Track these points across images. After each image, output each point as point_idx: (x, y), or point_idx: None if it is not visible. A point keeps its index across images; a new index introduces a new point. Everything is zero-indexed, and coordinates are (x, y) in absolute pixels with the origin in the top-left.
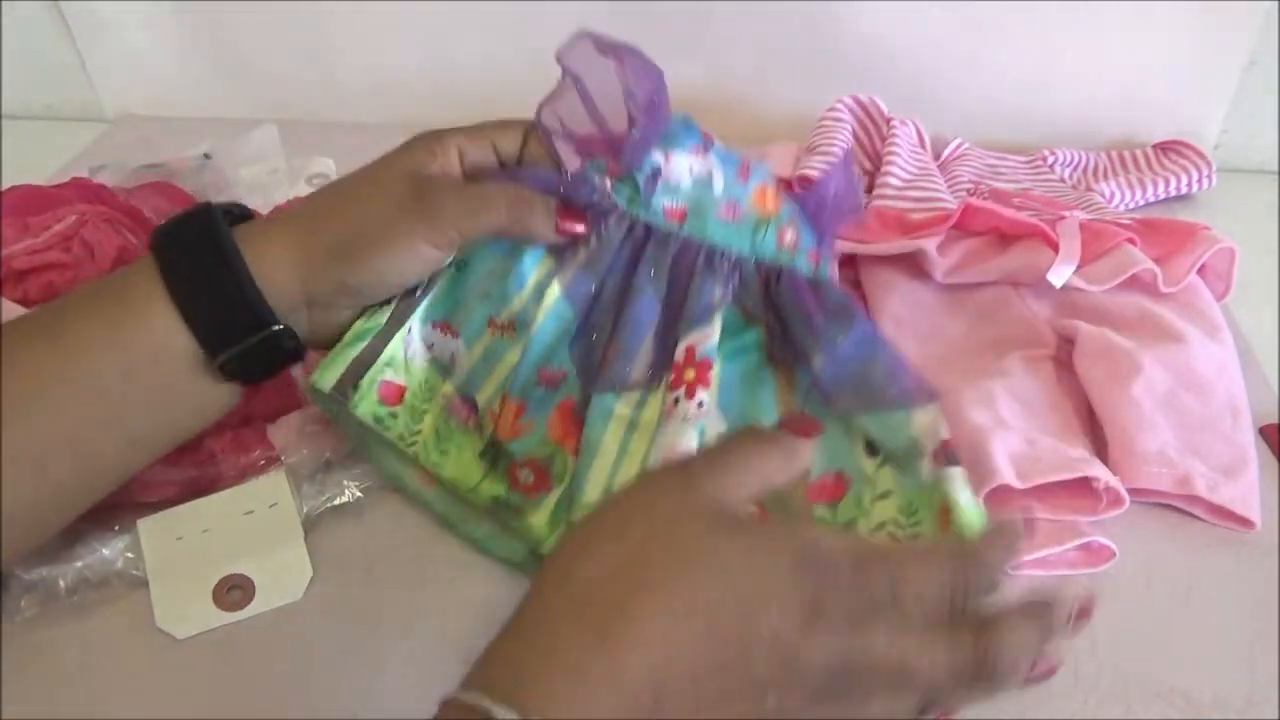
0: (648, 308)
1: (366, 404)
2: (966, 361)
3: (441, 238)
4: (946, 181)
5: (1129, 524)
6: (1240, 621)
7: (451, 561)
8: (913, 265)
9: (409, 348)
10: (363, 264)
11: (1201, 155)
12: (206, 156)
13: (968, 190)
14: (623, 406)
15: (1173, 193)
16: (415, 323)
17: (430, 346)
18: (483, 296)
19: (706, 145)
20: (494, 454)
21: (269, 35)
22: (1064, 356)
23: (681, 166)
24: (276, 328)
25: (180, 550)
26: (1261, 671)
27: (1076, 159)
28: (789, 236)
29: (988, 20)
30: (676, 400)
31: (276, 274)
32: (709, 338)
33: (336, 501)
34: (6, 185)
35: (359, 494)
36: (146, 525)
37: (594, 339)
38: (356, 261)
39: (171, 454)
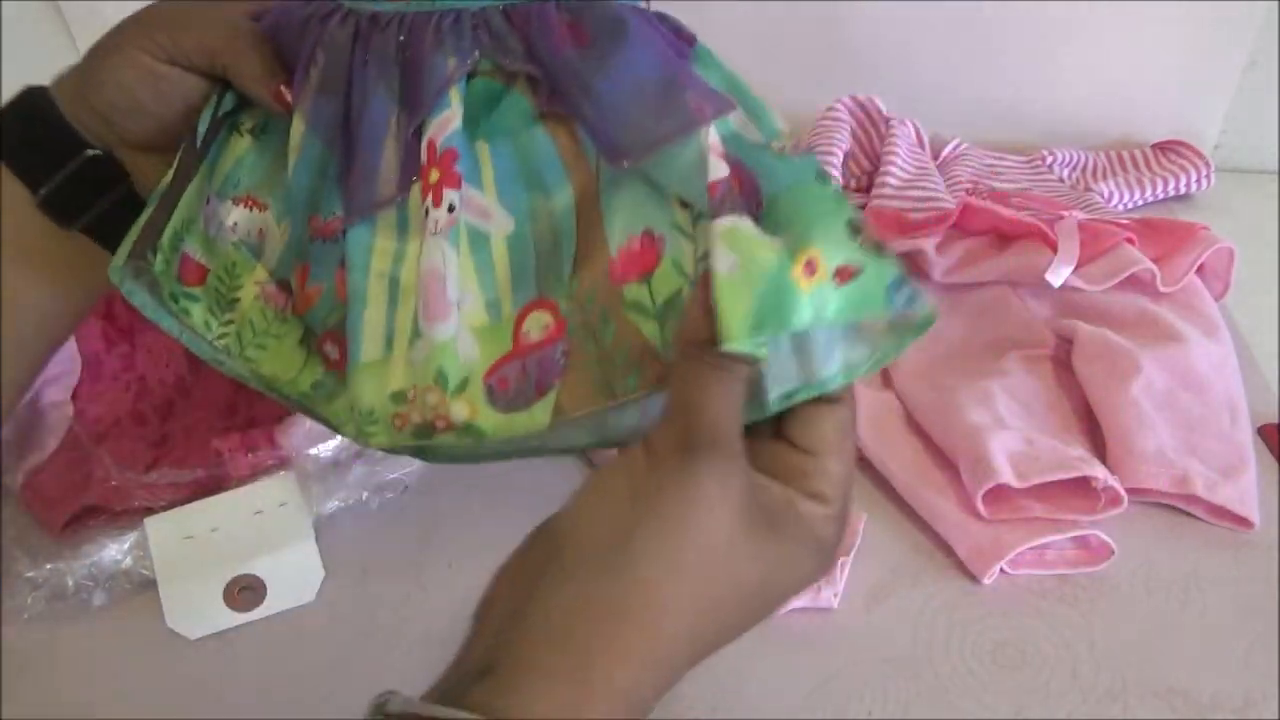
0: (379, 108)
1: (167, 276)
2: (965, 361)
3: (150, 43)
4: (945, 181)
5: (1127, 523)
6: (1238, 621)
7: (454, 561)
8: (911, 265)
9: (210, 224)
10: (91, 72)
11: (1200, 155)
12: None
13: (966, 190)
14: (383, 238)
15: (1171, 193)
16: (212, 195)
17: (234, 226)
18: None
19: None
20: (309, 337)
21: None
22: (1063, 356)
23: None
24: (90, 153)
25: (189, 549)
26: (1260, 671)
27: (1075, 159)
28: None
29: (987, 20)
30: (427, 211)
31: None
32: (449, 123)
33: (347, 502)
34: None
35: (367, 494)
36: (154, 523)
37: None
38: (88, 70)
39: (175, 453)
